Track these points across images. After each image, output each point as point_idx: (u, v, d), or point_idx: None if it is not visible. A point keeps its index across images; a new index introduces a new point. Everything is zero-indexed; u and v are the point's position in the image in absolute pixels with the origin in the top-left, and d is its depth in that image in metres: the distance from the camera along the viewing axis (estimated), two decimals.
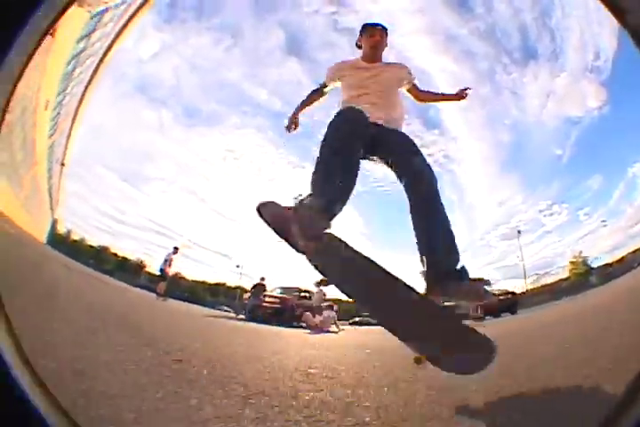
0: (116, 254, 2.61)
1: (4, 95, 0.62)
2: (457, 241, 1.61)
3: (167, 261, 2.71)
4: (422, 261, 1.59)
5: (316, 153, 1.59)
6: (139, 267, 2.72)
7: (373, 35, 2.20)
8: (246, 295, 2.84)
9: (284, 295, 2.87)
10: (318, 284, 2.80)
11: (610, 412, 0.58)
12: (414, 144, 1.88)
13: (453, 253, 1.60)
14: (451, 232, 1.63)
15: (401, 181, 1.73)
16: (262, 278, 2.86)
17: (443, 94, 2.36)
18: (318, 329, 2.81)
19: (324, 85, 2.27)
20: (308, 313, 2.79)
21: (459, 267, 1.56)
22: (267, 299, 2.81)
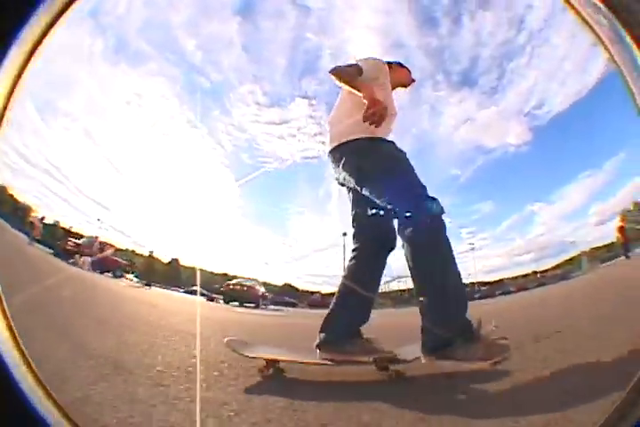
0: (11, 195, 2.60)
1: (4, 94, 0.62)
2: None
3: (34, 222, 2.83)
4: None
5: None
6: (24, 211, 2.76)
7: (410, 75, 2.03)
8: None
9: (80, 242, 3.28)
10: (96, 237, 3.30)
11: (610, 412, 0.58)
12: None
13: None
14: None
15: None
16: (70, 234, 3.22)
17: None
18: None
19: (358, 74, 1.70)
20: (77, 256, 3.31)
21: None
22: (69, 243, 3.22)
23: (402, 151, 1.65)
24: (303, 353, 1.52)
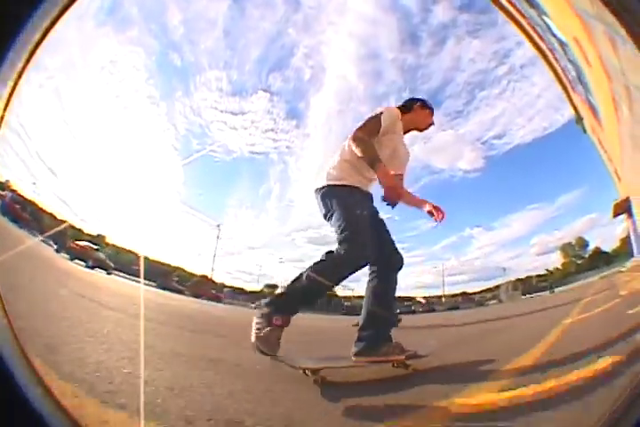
0: None
1: (4, 95, 0.62)
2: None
3: None
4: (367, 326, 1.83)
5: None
6: None
7: (431, 118, 2.13)
8: None
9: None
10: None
11: (609, 412, 0.58)
12: None
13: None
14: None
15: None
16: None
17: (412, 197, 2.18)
18: None
19: (377, 132, 1.90)
20: None
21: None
22: None
23: (372, 208, 1.97)
24: (335, 360, 1.84)
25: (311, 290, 1.71)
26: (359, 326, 1.84)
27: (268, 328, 1.60)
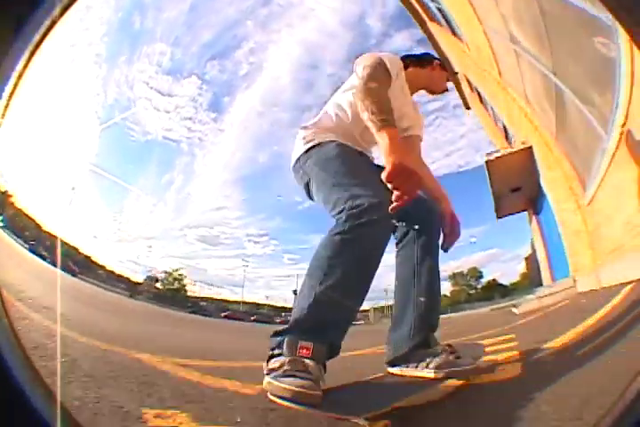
0: None
1: (5, 95, 0.62)
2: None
3: None
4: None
5: None
6: None
7: (446, 80, 1.79)
8: None
9: None
10: None
11: (610, 412, 0.58)
12: None
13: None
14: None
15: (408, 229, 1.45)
16: None
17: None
18: None
19: (389, 76, 1.29)
20: None
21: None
22: None
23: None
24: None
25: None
26: (413, 328, 1.36)
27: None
